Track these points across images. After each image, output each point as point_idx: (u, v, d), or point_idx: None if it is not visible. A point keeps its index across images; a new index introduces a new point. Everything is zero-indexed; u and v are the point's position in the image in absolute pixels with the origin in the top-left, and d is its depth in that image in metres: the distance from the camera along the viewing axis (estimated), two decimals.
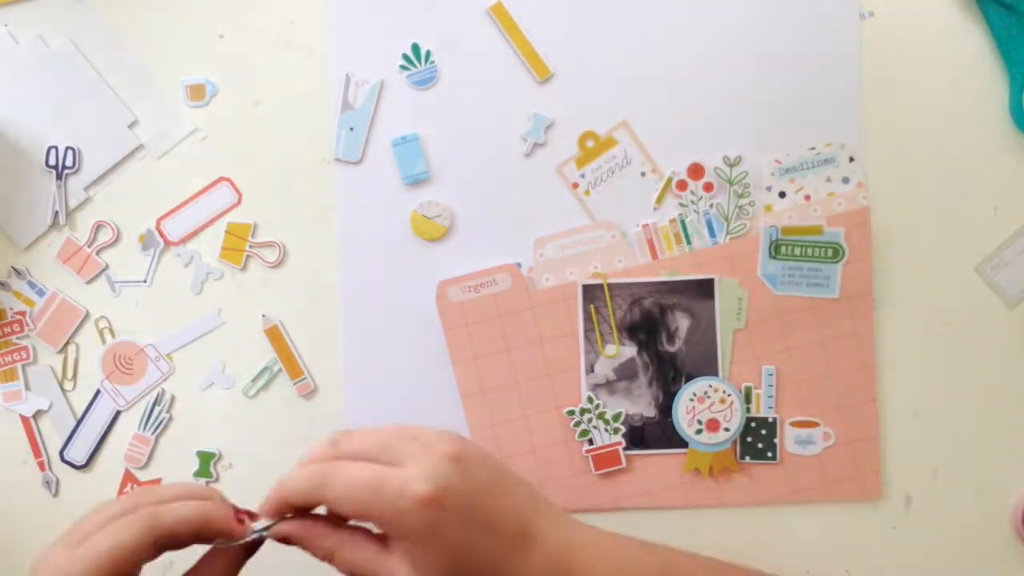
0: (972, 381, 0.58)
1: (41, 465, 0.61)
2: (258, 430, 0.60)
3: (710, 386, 0.57)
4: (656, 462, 0.58)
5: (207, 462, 0.60)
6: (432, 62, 0.59)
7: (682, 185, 0.58)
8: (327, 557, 0.41)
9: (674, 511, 0.58)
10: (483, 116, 0.59)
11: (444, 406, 0.59)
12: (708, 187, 0.58)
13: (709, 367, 0.58)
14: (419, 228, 0.59)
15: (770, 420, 0.57)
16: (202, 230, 0.60)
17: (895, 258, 0.58)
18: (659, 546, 0.46)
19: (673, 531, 0.58)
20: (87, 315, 0.60)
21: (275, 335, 0.60)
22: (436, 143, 0.59)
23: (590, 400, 0.58)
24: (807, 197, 0.57)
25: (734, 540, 0.59)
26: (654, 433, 0.58)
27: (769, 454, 0.57)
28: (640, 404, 0.58)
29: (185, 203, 0.60)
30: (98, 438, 0.60)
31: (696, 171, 0.58)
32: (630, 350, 0.58)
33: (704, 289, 0.57)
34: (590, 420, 0.58)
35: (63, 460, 0.60)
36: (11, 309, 0.60)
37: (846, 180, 0.57)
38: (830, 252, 0.57)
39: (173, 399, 0.60)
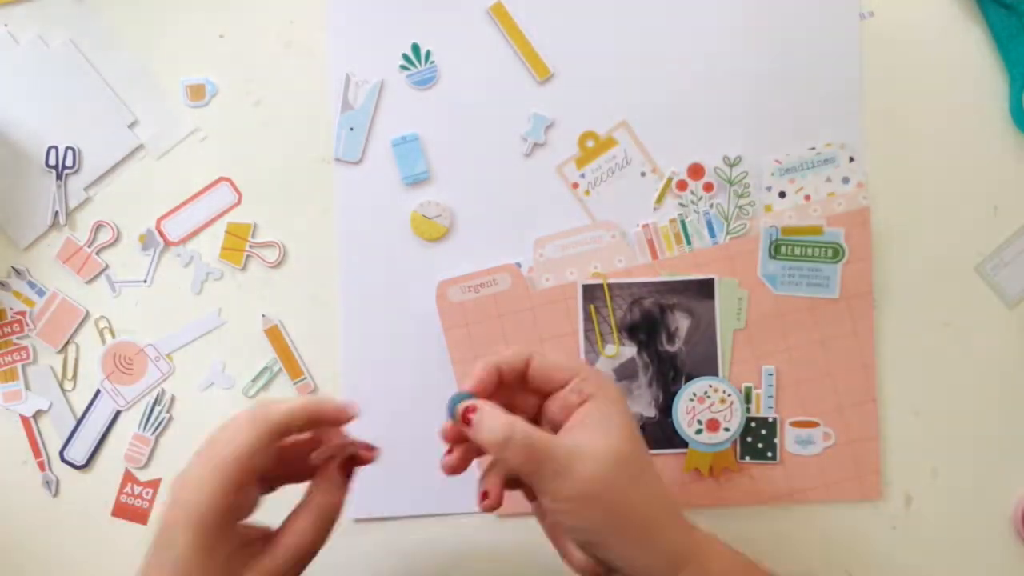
0: (972, 381, 0.58)
1: (41, 465, 0.61)
2: None
3: (710, 386, 0.57)
4: (656, 462, 0.58)
5: None
6: (432, 62, 0.59)
7: (682, 185, 0.58)
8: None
9: None
10: (483, 116, 0.59)
11: (444, 406, 0.58)
12: (708, 187, 0.58)
13: (709, 367, 0.58)
14: (419, 228, 0.59)
15: (770, 420, 0.57)
16: (202, 230, 0.60)
17: (895, 258, 0.58)
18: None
19: None
20: (87, 315, 0.60)
21: (275, 335, 0.60)
22: (436, 143, 0.59)
23: None
24: (807, 197, 0.57)
25: (734, 540, 0.58)
26: (654, 433, 0.58)
27: (769, 454, 0.57)
28: (640, 404, 0.58)
29: (185, 203, 0.60)
30: (98, 438, 0.60)
31: (696, 171, 0.58)
32: (630, 350, 0.58)
33: (704, 289, 0.57)
34: None
35: (63, 460, 0.60)
36: (11, 309, 0.60)
37: (846, 180, 0.57)
38: (830, 252, 0.57)
39: (173, 399, 0.60)
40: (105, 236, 0.60)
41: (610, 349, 0.58)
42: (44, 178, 0.60)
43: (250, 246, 0.60)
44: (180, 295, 0.60)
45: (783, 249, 0.57)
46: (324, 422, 0.45)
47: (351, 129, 0.59)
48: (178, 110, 0.60)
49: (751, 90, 0.58)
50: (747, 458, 0.58)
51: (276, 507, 0.45)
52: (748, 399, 0.57)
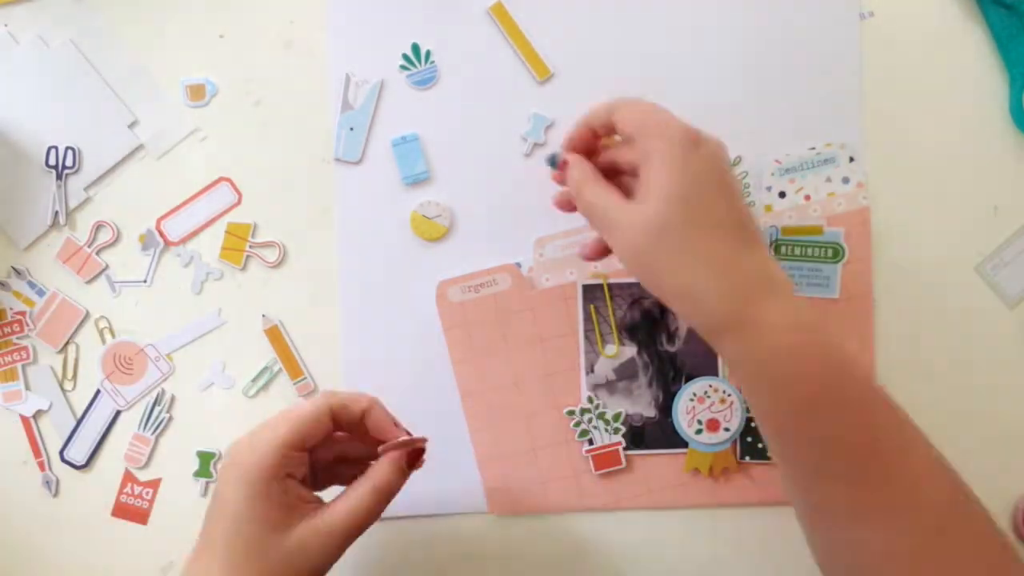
0: (972, 381, 0.58)
1: (41, 465, 0.61)
2: None
3: (710, 386, 0.57)
4: (656, 462, 0.58)
5: (207, 462, 0.60)
6: (432, 62, 0.59)
7: None
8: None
9: (674, 511, 0.58)
10: (483, 116, 0.59)
11: (444, 406, 0.59)
12: None
13: (709, 367, 0.58)
14: (419, 228, 0.59)
15: None
16: (202, 230, 0.60)
17: (895, 258, 0.58)
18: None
19: (673, 531, 0.58)
20: (87, 315, 0.60)
21: (275, 335, 0.60)
22: (436, 143, 0.59)
23: (590, 400, 0.58)
24: (807, 197, 0.57)
25: (734, 540, 0.59)
26: (654, 433, 0.58)
27: (769, 454, 0.57)
28: (640, 404, 0.58)
29: (185, 203, 0.60)
30: (98, 438, 0.60)
31: None
32: (630, 350, 0.58)
33: None
34: (590, 420, 0.58)
35: (63, 460, 0.60)
36: (11, 309, 0.60)
37: (846, 180, 0.57)
38: (830, 252, 0.57)
39: (173, 399, 0.60)
40: (105, 236, 0.60)
41: (610, 349, 0.58)
42: (44, 178, 0.60)
43: (250, 246, 0.60)
44: (180, 295, 0.60)
45: (783, 249, 0.57)
46: (381, 415, 0.48)
47: (351, 129, 0.59)
48: (178, 110, 0.60)
49: (751, 90, 0.58)
50: (747, 458, 0.58)
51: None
52: None
